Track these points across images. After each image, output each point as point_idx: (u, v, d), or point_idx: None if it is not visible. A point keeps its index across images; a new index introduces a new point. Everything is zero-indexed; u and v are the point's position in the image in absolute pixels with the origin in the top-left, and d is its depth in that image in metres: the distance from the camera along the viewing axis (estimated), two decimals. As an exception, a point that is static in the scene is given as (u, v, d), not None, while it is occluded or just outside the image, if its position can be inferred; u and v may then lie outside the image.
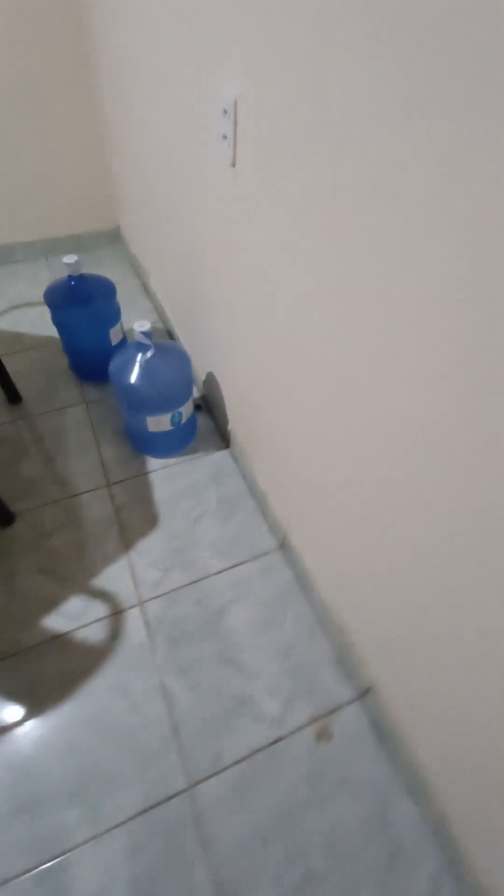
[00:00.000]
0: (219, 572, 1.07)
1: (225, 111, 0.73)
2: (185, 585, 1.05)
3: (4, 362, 1.55)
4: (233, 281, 0.93)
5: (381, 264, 0.49)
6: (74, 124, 1.78)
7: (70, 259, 1.26)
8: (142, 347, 1.09)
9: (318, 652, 0.95)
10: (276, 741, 0.85)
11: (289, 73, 0.54)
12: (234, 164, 0.76)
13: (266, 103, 0.61)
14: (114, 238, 2.14)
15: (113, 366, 1.13)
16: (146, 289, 1.87)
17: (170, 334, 1.68)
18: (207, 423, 1.40)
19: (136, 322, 1.06)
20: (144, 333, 1.05)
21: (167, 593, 1.03)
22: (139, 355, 1.09)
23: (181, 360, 1.15)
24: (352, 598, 0.83)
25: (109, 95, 1.51)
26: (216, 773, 0.81)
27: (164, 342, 1.15)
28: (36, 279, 1.94)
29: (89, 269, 1.99)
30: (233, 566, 1.08)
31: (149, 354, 1.08)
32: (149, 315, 1.78)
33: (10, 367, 1.53)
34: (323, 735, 0.85)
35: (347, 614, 0.87)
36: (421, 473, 0.53)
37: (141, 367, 1.09)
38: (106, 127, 1.71)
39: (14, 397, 1.44)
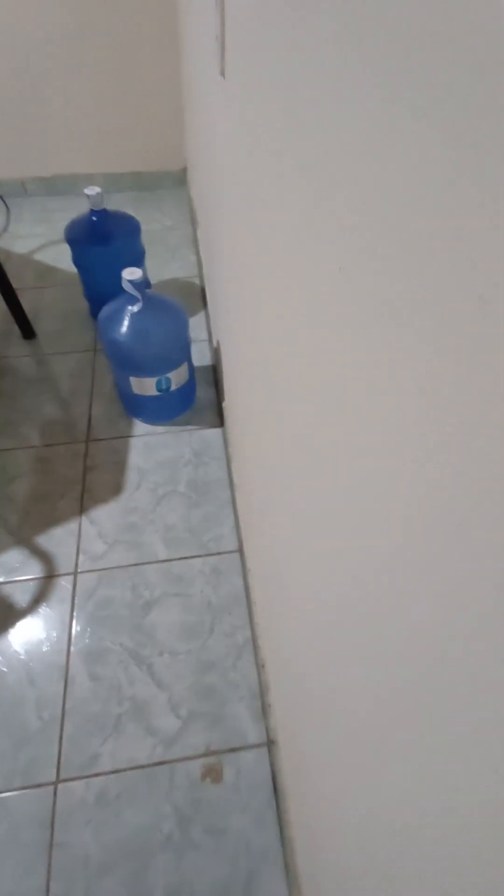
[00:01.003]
0: (165, 560, 0.98)
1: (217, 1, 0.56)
2: (126, 566, 0.97)
3: (31, 296, 1.52)
4: (226, 224, 0.77)
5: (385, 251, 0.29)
6: (158, 57, 1.65)
7: (91, 191, 1.16)
8: (130, 299, 0.97)
9: (240, 678, 0.83)
10: (159, 763, 0.76)
11: None
12: (223, 74, 0.59)
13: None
14: (180, 180, 2.00)
15: (102, 313, 1.03)
16: (195, 239, 1.74)
17: (203, 293, 1.55)
18: (210, 395, 1.28)
19: (126, 269, 0.94)
20: (132, 282, 0.94)
21: (105, 570, 0.96)
22: (126, 307, 0.98)
23: (175, 320, 1.02)
24: (269, 638, 0.70)
25: (183, 23, 1.34)
26: (87, 777, 0.75)
27: (162, 298, 1.03)
28: (91, 215, 1.88)
29: (148, 208, 1.90)
30: (181, 558, 0.98)
31: (136, 308, 0.97)
32: (188, 269, 1.66)
33: (34, 303, 1.50)
34: (211, 773, 0.75)
35: (266, 651, 0.74)
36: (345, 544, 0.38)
37: (126, 320, 0.98)
38: (183, 57, 1.55)
39: (28, 333, 1.41)
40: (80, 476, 1.11)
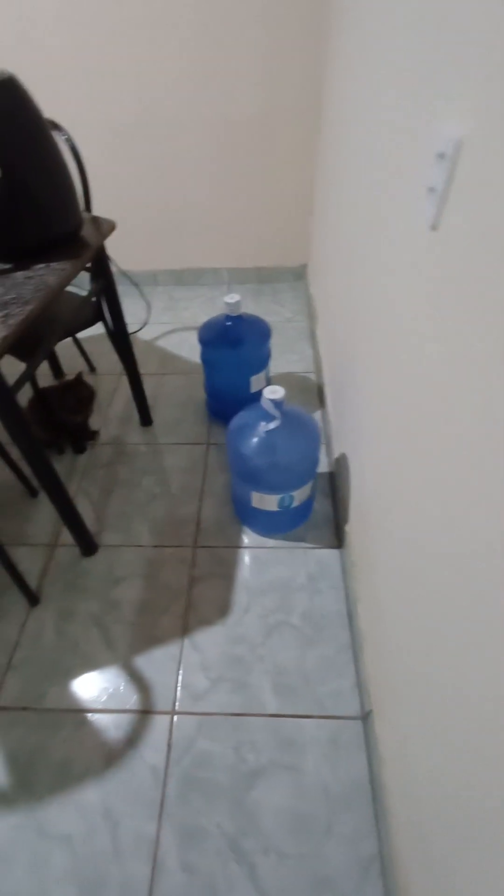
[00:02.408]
0: (274, 715, 0.84)
1: (441, 155, 0.52)
2: (229, 715, 0.84)
3: (152, 383, 1.57)
4: (385, 363, 0.70)
5: None
6: (293, 163, 1.74)
7: (231, 299, 1.18)
8: (266, 416, 0.93)
9: (365, 914, 0.65)
10: None
11: None
12: (435, 227, 0.54)
13: None
14: (299, 275, 2.06)
15: (233, 423, 0.99)
16: (313, 335, 1.73)
17: (320, 391, 1.50)
18: (326, 507, 1.18)
19: (268, 388, 0.90)
20: (274, 402, 0.89)
21: (205, 715, 0.85)
22: (261, 423, 0.93)
23: (309, 438, 0.95)
24: (422, 874, 0.53)
25: (328, 136, 1.40)
26: None
27: (298, 414, 0.97)
28: (213, 305, 1.97)
29: (267, 300, 1.95)
30: (294, 716, 0.84)
31: (272, 425, 0.92)
32: (305, 364, 1.63)
33: (154, 389, 1.54)
34: None
35: (413, 892, 0.56)
36: None
37: (259, 437, 0.93)
38: (319, 167, 1.62)
39: (146, 420, 1.43)
40: (186, 587, 1.03)
